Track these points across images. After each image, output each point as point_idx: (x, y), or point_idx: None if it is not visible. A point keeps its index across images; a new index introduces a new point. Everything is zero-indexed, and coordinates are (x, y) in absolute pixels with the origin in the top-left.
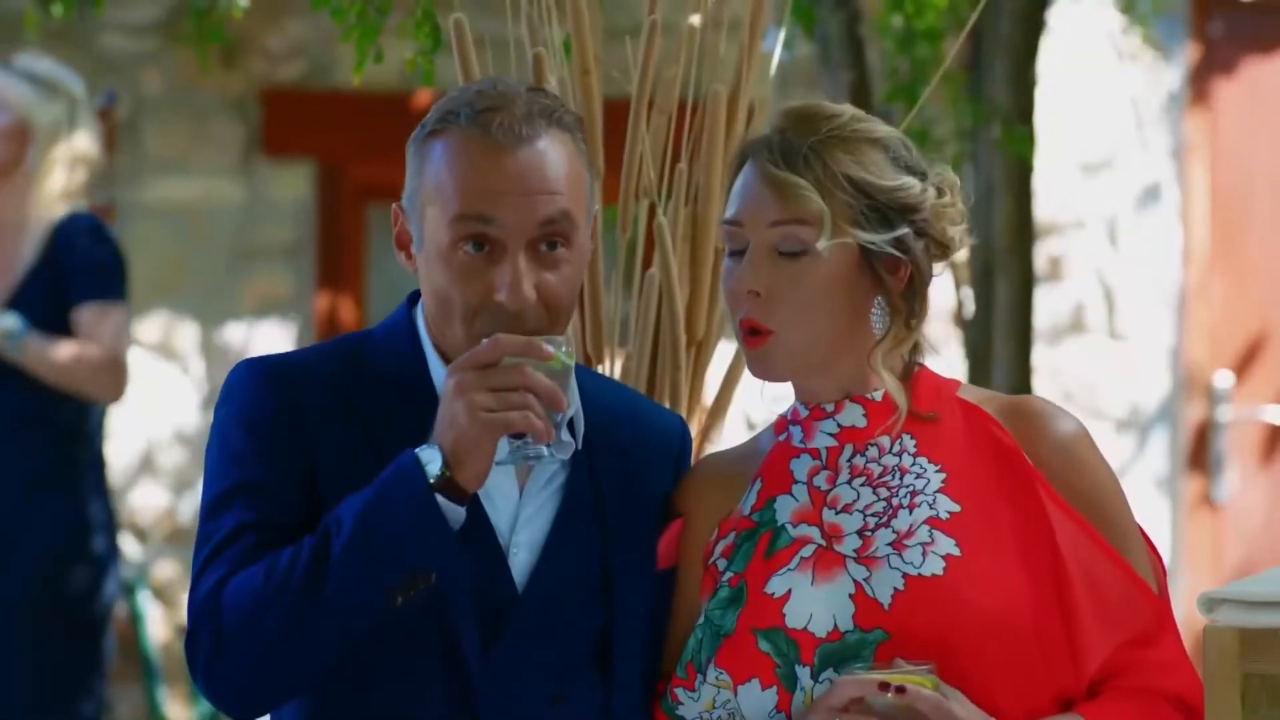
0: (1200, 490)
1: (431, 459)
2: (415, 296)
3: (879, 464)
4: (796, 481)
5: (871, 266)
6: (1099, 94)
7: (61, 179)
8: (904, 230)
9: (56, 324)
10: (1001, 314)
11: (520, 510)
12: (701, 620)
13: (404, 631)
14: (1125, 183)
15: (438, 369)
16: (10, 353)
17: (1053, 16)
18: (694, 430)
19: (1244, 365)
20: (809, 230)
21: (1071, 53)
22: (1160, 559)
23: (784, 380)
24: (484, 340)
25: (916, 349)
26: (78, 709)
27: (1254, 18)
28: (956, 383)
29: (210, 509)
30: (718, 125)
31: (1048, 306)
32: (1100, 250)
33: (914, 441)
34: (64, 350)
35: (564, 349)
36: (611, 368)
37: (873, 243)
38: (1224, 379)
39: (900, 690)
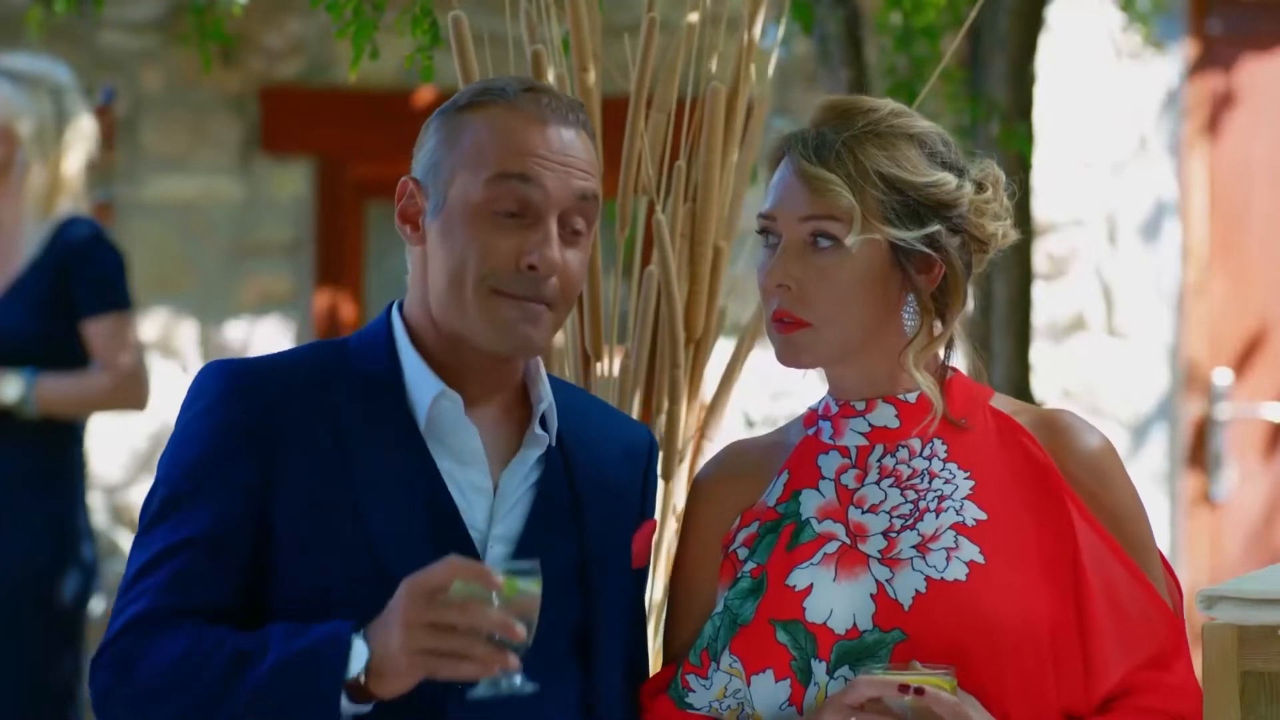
0: (1199, 488)
1: (359, 655)
2: (397, 305)
3: (908, 466)
4: (824, 478)
5: (902, 264)
6: (1098, 91)
7: (58, 174)
8: (936, 227)
9: (55, 324)
10: (1000, 311)
11: (497, 506)
12: (720, 608)
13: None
14: (1124, 180)
15: (414, 375)
16: (29, 412)
17: (1051, 14)
18: (692, 428)
19: (1243, 363)
20: (839, 226)
21: (1070, 50)
22: (1177, 582)
23: (810, 368)
24: (441, 564)
25: (951, 352)
26: (66, 714)
27: (1252, 15)
28: (989, 391)
29: (153, 511)
30: (716, 122)
31: (1047, 304)
32: (1099, 248)
33: (945, 447)
34: (80, 388)
35: (531, 575)
36: (610, 365)
37: (903, 239)
38: (1223, 376)
39: (919, 692)
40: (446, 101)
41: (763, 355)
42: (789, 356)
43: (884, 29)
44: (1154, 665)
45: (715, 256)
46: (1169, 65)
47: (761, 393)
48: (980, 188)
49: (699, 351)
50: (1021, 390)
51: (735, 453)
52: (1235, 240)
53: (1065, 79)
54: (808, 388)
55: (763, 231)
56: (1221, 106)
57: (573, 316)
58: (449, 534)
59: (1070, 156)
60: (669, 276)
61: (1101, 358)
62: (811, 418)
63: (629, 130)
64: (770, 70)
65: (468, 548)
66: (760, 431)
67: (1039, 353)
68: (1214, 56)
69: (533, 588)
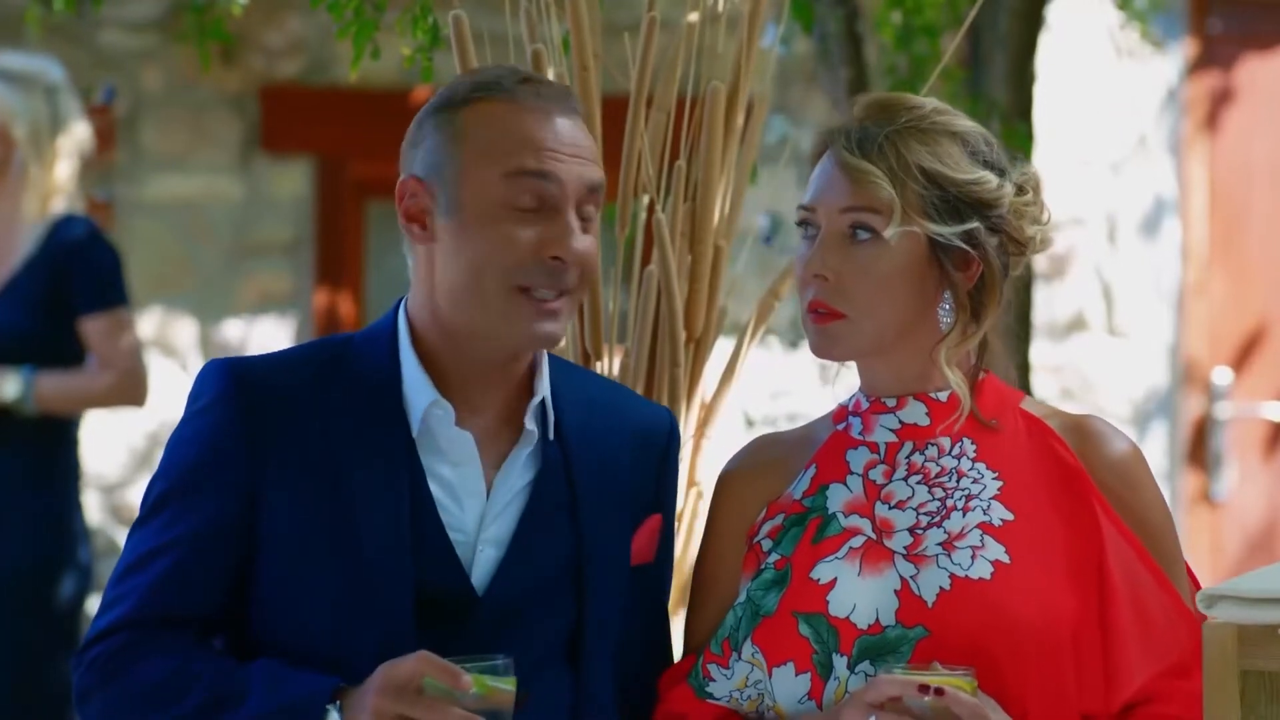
0: (1199, 487)
1: None
2: (404, 303)
3: (937, 464)
4: (852, 473)
5: (939, 260)
6: (1098, 91)
7: (53, 174)
8: (975, 224)
9: (52, 323)
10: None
11: (488, 508)
12: (742, 599)
13: (368, 633)
14: (1124, 179)
15: (411, 379)
16: (28, 410)
17: (1052, 13)
18: (692, 427)
19: (1243, 361)
20: (879, 218)
21: (1070, 49)
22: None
23: (843, 360)
24: (413, 657)
25: (984, 354)
26: (63, 714)
27: (1252, 14)
28: (1020, 394)
29: (150, 505)
30: (716, 122)
31: (1047, 303)
32: (1099, 247)
33: (974, 446)
34: (79, 386)
35: (503, 672)
36: (610, 364)
37: (941, 234)
38: (1223, 375)
39: (939, 693)
40: (436, 98)
41: (762, 355)
42: (823, 348)
43: (884, 28)
44: (1176, 673)
45: (715, 256)
46: (1169, 64)
47: (761, 392)
48: (1021, 190)
49: (699, 351)
50: (1022, 389)
51: (763, 445)
52: (1235, 239)
53: (1065, 78)
54: (806, 388)
55: (802, 223)
56: (1221, 105)
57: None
58: (431, 541)
59: (1070, 155)
60: (669, 276)
61: (1101, 357)
62: (841, 413)
63: (629, 129)
64: (770, 69)
65: (449, 555)
66: (761, 430)
67: (1039, 352)
68: (1214, 55)
69: (504, 685)
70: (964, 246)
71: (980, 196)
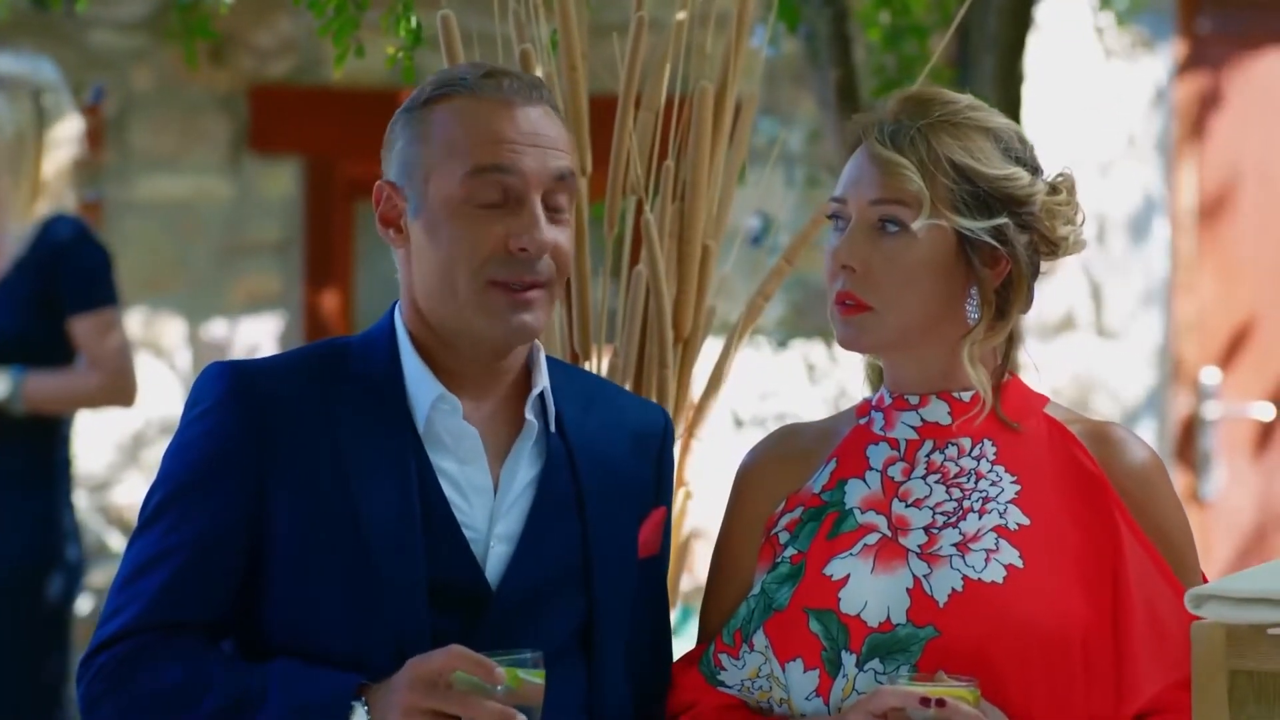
0: (1188, 486)
1: None
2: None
3: (956, 464)
4: (871, 468)
5: (968, 255)
6: (1086, 91)
7: (40, 175)
8: (1004, 220)
9: (42, 323)
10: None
11: (497, 506)
12: (756, 591)
13: (383, 631)
14: (1113, 179)
15: (414, 376)
16: (15, 411)
17: (1040, 13)
18: (681, 427)
19: (1231, 361)
20: (908, 211)
21: (1059, 49)
22: None
23: (869, 352)
24: (444, 651)
25: (1010, 355)
26: (53, 714)
27: (1241, 14)
28: (1045, 399)
29: (150, 512)
30: (705, 122)
31: (1035, 303)
32: (1087, 247)
33: (994, 449)
34: (68, 385)
35: (533, 665)
36: (599, 364)
37: (970, 229)
38: (1211, 375)
39: (941, 704)
40: (407, 99)
41: (751, 355)
42: (850, 339)
43: (872, 28)
44: (1188, 685)
45: (703, 255)
46: (1158, 64)
47: (750, 392)
48: (1054, 190)
49: (687, 351)
50: None
51: (786, 436)
52: (1223, 239)
53: (1054, 78)
54: (795, 388)
55: (832, 216)
56: (1210, 105)
57: (562, 316)
58: (445, 539)
59: (1059, 155)
60: (657, 276)
61: (1090, 356)
62: (864, 408)
63: (617, 129)
64: (759, 70)
65: (464, 552)
66: (749, 431)
67: (1027, 351)
68: (1203, 55)
69: (535, 678)
70: (993, 243)
71: (1011, 193)
